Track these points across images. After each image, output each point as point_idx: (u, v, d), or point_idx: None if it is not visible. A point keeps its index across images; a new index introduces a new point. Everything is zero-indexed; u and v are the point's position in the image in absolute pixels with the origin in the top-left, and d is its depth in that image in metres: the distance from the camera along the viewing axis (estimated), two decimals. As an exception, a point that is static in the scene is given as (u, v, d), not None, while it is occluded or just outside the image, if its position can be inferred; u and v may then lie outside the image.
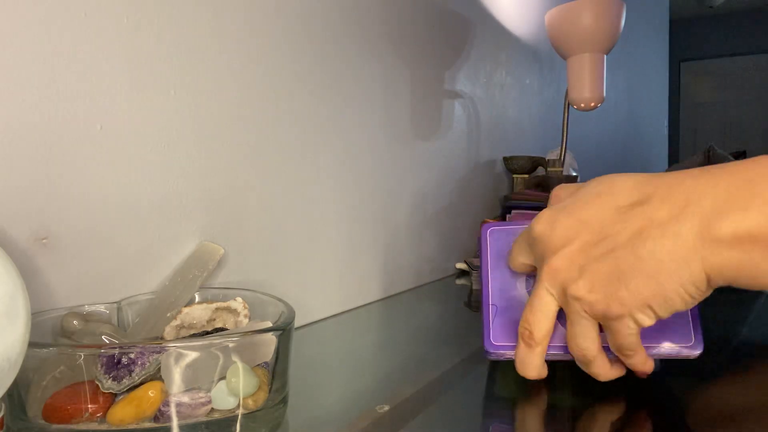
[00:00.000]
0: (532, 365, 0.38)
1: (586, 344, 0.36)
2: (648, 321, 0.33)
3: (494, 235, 0.44)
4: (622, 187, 0.34)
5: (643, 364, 0.36)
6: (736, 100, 4.93)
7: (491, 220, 1.00)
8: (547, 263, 0.36)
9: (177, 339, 0.41)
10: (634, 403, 0.37)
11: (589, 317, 0.35)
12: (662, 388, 0.39)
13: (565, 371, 0.42)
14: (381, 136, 0.74)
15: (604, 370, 0.37)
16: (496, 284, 0.43)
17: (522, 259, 0.40)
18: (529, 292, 0.42)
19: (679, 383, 0.40)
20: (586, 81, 0.88)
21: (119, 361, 0.31)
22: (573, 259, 0.34)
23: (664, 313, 0.32)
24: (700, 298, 0.32)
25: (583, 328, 0.35)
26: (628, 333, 0.34)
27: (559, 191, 0.40)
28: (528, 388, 0.40)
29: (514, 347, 0.41)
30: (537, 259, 0.38)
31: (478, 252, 0.48)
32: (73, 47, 0.40)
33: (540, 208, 0.60)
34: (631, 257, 0.32)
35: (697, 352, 0.37)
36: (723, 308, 0.33)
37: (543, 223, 0.37)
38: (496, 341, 0.42)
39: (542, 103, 1.34)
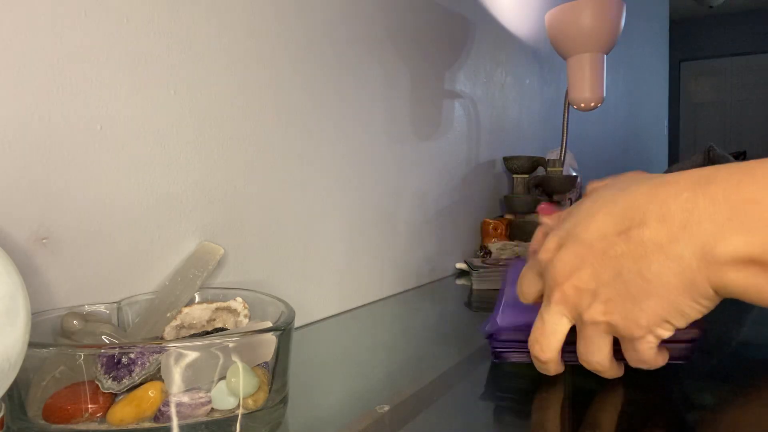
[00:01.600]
0: (550, 372, 0.40)
1: (600, 358, 0.37)
2: (667, 333, 0.34)
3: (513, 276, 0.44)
4: (616, 204, 0.34)
5: (657, 366, 0.37)
6: (736, 100, 4.93)
7: (491, 220, 1.00)
8: (559, 289, 0.36)
9: (177, 339, 0.41)
10: (629, 393, 0.37)
11: (606, 335, 0.36)
12: (659, 383, 0.39)
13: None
14: (381, 136, 0.74)
15: (613, 374, 0.38)
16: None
17: (533, 288, 0.40)
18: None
19: (679, 383, 0.40)
20: (586, 81, 0.88)
21: (119, 361, 0.31)
22: (583, 285, 0.35)
23: (682, 323, 0.33)
24: (714, 305, 0.32)
25: (597, 346, 0.36)
26: (648, 348, 0.35)
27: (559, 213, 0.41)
28: (531, 386, 0.41)
29: (515, 352, 0.43)
30: (546, 285, 0.38)
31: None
32: (73, 47, 0.40)
33: None
34: (639, 280, 0.32)
35: (691, 335, 0.38)
36: (723, 308, 0.33)
37: (549, 251, 0.37)
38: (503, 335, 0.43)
39: (542, 103, 1.34)
